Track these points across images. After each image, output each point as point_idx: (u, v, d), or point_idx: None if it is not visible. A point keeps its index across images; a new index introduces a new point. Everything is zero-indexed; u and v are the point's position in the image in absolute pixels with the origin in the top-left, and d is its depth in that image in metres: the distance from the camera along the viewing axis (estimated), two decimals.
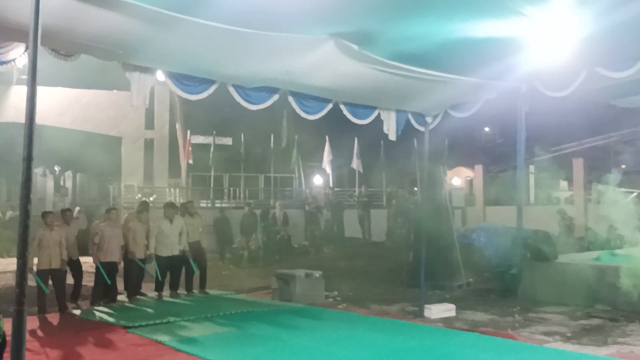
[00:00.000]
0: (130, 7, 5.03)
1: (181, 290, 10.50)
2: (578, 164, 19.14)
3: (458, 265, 11.58)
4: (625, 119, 19.04)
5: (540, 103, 9.66)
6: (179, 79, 6.95)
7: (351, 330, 7.54)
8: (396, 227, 18.57)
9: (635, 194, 18.71)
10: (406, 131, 9.32)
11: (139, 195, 18.21)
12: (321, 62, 6.59)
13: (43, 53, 5.22)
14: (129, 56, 6.40)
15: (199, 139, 23.13)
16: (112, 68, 7.04)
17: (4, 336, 4.37)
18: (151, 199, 17.16)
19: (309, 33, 6.00)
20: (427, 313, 8.52)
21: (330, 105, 8.27)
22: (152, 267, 10.05)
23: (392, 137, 9.05)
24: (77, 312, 8.92)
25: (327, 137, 22.27)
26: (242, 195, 22.22)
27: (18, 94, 18.12)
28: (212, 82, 7.17)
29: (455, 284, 11.15)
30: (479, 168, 22.73)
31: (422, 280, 8.79)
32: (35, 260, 8.56)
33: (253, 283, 12.16)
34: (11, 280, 9.18)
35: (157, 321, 8.01)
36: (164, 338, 7.01)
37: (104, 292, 9.38)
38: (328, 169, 22.76)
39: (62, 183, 27.68)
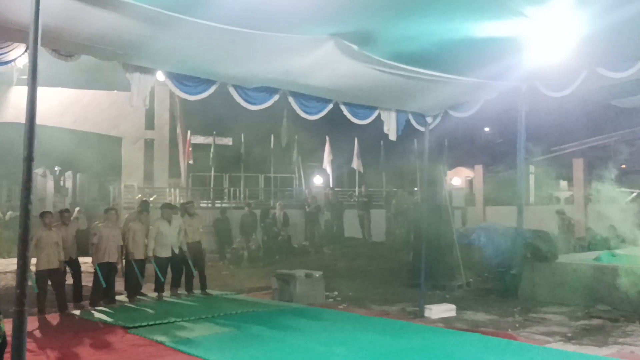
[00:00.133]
0: (130, 7, 5.03)
1: (181, 291, 10.51)
2: (578, 164, 19.14)
3: (458, 265, 11.58)
4: (625, 119, 19.06)
5: (540, 103, 9.66)
6: (178, 79, 6.95)
7: (351, 331, 7.54)
8: (396, 227, 18.58)
9: (635, 194, 18.73)
10: (406, 131, 9.32)
11: (139, 196, 18.19)
12: (321, 62, 6.59)
13: (43, 53, 5.21)
14: (129, 56, 6.40)
15: (199, 139, 23.12)
16: (112, 68, 7.04)
17: (4, 337, 4.37)
18: (151, 199, 17.15)
19: (309, 33, 6.00)
20: (427, 313, 8.51)
21: (330, 106, 8.27)
22: (151, 268, 10.06)
23: (393, 137, 9.05)
24: (77, 312, 8.92)
25: (327, 137, 22.27)
26: (242, 195, 22.21)
27: (18, 94, 18.12)
28: (212, 82, 7.17)
29: (455, 284, 11.15)
30: (479, 168, 22.72)
31: (422, 281, 8.79)
32: (34, 260, 8.55)
33: (253, 283, 12.16)
34: (11, 281, 9.18)
35: (158, 322, 8.00)
36: (164, 338, 7.01)
37: (103, 293, 9.37)
38: (328, 169, 22.76)
39: (62, 183, 27.65)
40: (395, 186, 21.72)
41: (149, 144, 22.15)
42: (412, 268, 11.41)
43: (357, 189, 22.61)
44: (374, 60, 6.68)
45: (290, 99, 7.88)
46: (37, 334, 7.51)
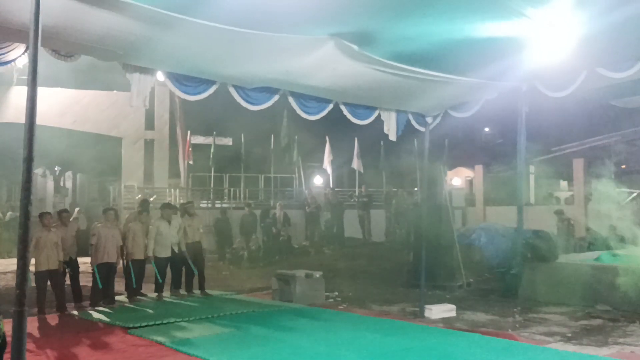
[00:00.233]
0: (130, 7, 5.03)
1: (181, 291, 10.50)
2: (578, 164, 19.14)
3: (458, 265, 11.58)
4: (625, 119, 19.05)
5: (540, 103, 9.65)
6: (178, 79, 6.95)
7: (351, 331, 7.54)
8: (396, 227, 18.58)
9: (635, 194, 18.73)
10: (406, 131, 9.32)
11: (139, 196, 18.21)
12: (321, 62, 6.58)
13: (43, 53, 5.21)
14: (129, 57, 6.39)
15: (199, 139, 23.13)
16: (112, 69, 7.05)
17: (4, 337, 4.37)
18: (151, 199, 17.15)
19: (309, 33, 6.00)
20: (427, 313, 8.51)
21: (330, 106, 8.27)
22: (151, 268, 10.06)
23: (393, 137, 9.05)
24: (77, 312, 8.92)
25: (327, 138, 22.27)
26: (242, 195, 22.21)
27: (18, 95, 18.12)
28: (212, 82, 7.16)
29: (455, 284, 11.15)
30: (479, 168, 22.73)
31: (422, 281, 8.79)
32: (33, 261, 8.55)
33: (253, 283, 12.16)
34: (11, 281, 9.16)
35: (158, 322, 8.00)
36: (164, 339, 7.01)
37: (103, 293, 9.36)
38: (328, 169, 22.76)
39: (62, 184, 27.66)
40: (395, 186, 21.71)
41: (149, 144, 22.16)
42: (412, 268, 11.41)
43: (357, 189, 22.61)
44: (374, 61, 6.67)
45: (291, 99, 7.88)
46: (37, 334, 7.51)
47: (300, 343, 6.89)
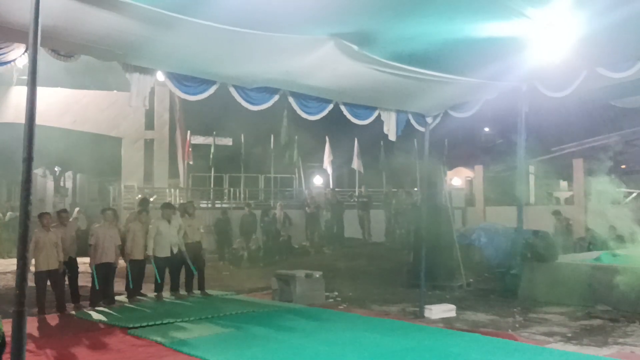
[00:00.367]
0: (130, 7, 5.03)
1: (181, 291, 10.50)
2: (578, 164, 19.14)
3: (458, 265, 11.57)
4: (625, 119, 19.05)
5: (540, 103, 9.66)
6: (178, 79, 6.94)
7: (351, 331, 7.53)
8: (396, 227, 18.58)
9: (635, 194, 18.72)
10: (406, 131, 9.32)
11: (139, 196, 18.23)
12: (321, 62, 6.58)
13: (43, 54, 5.21)
14: (129, 57, 6.39)
15: (199, 139, 23.13)
16: (112, 69, 7.05)
17: (3, 337, 4.36)
18: (151, 199, 17.15)
19: (309, 33, 6.00)
20: (427, 313, 8.51)
21: (330, 106, 8.27)
22: (151, 268, 10.05)
23: (392, 137, 9.05)
24: (77, 313, 8.91)
25: (327, 138, 22.28)
26: (242, 195, 22.22)
27: (18, 95, 18.12)
28: (212, 82, 7.16)
29: (455, 284, 11.15)
30: (479, 168, 22.73)
31: (422, 281, 8.79)
32: (33, 261, 8.55)
33: (253, 284, 12.16)
34: (11, 281, 9.17)
35: (157, 322, 7.99)
36: (164, 339, 7.01)
37: (102, 294, 9.36)
38: (329, 170, 22.77)
39: (62, 184, 27.68)
40: (395, 186, 21.72)
41: (149, 144, 22.16)
42: (412, 268, 11.41)
43: (357, 189, 22.61)
44: (374, 61, 6.67)
45: (291, 99, 7.88)
46: (37, 334, 7.50)
47: (300, 343, 6.89)
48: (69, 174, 27.28)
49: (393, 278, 12.26)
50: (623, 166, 21.82)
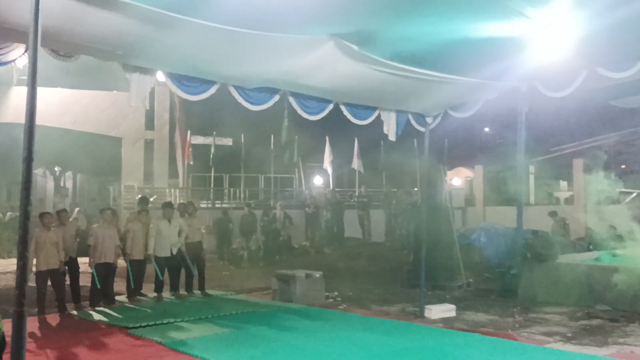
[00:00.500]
0: (130, 7, 5.03)
1: (182, 291, 10.50)
2: (578, 164, 19.14)
3: (458, 265, 11.57)
4: (625, 119, 19.05)
5: (540, 103, 9.66)
6: (179, 79, 6.95)
7: (351, 331, 7.53)
8: (396, 228, 18.57)
9: (635, 194, 18.72)
10: (406, 131, 9.32)
11: (139, 196, 18.23)
12: (321, 62, 6.59)
13: (43, 54, 5.21)
14: (129, 57, 6.40)
15: (199, 139, 23.13)
16: (112, 69, 7.05)
17: (3, 337, 4.36)
18: (151, 199, 17.15)
19: (309, 33, 6.00)
20: (427, 313, 8.51)
21: (330, 106, 8.28)
22: (151, 268, 10.05)
23: (392, 137, 9.05)
24: (77, 313, 8.91)
25: (327, 138, 22.27)
26: (242, 195, 22.22)
27: (18, 95, 18.12)
28: (212, 82, 7.17)
29: (455, 284, 11.15)
30: (479, 168, 22.74)
31: (422, 281, 8.79)
32: (34, 261, 8.56)
33: (253, 284, 12.16)
34: (11, 281, 9.17)
35: (157, 322, 7.99)
36: (164, 339, 7.01)
37: (102, 294, 9.36)
38: (329, 170, 22.76)
39: (62, 184, 27.66)
40: (395, 186, 21.71)
41: (149, 145, 22.16)
42: (412, 268, 11.41)
43: (357, 189, 22.61)
44: (374, 61, 6.68)
45: (291, 100, 7.88)
46: (37, 334, 7.50)
47: (300, 343, 6.89)
48: (69, 174, 27.26)
49: (393, 278, 12.26)
50: (623, 166, 21.84)
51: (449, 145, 16.80)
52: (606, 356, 6.29)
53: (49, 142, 16.89)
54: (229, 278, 13.25)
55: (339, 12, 5.61)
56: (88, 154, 20.80)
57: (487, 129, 30.81)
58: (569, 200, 20.73)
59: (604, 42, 6.74)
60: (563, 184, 23.87)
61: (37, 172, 23.67)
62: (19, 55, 5.71)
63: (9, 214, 18.50)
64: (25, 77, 3.99)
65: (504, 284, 10.55)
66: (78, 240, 9.71)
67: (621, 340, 7.03)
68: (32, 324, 7.52)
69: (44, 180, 25.19)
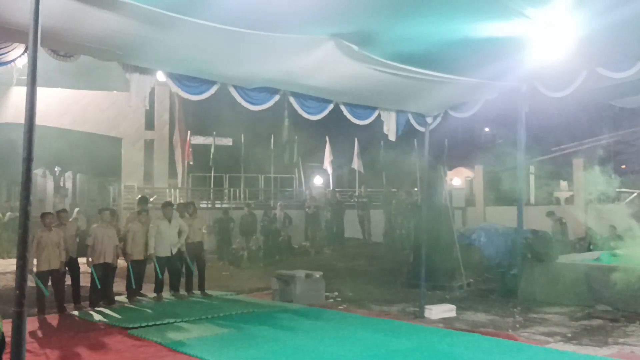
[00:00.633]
0: (130, 7, 5.03)
1: (181, 291, 10.49)
2: (578, 164, 19.14)
3: (458, 265, 11.57)
4: (625, 119, 19.06)
5: (540, 103, 9.65)
6: (179, 79, 6.95)
7: (351, 331, 7.53)
8: (396, 228, 18.57)
9: (635, 194, 18.72)
10: (406, 131, 9.32)
11: (139, 196, 18.22)
12: (321, 62, 6.58)
13: (42, 54, 5.21)
14: (129, 57, 6.39)
15: (199, 139, 23.14)
16: (112, 69, 7.05)
17: (3, 337, 4.36)
18: (151, 199, 17.14)
19: (309, 33, 6.00)
20: (427, 314, 8.51)
21: (331, 106, 8.27)
22: (151, 269, 10.05)
23: (392, 137, 9.05)
24: (77, 313, 8.91)
25: (327, 138, 22.27)
26: (242, 195, 22.21)
27: (18, 95, 18.11)
28: (213, 82, 7.17)
29: (455, 284, 11.15)
30: (479, 168, 22.73)
31: (422, 281, 8.79)
32: (35, 261, 8.56)
33: (253, 284, 12.16)
34: (11, 281, 9.18)
35: (157, 322, 8.00)
36: (164, 339, 7.01)
37: (102, 294, 9.36)
38: (329, 170, 22.76)
39: (62, 184, 27.65)
40: (395, 186, 21.71)
41: (149, 145, 22.16)
42: (412, 268, 11.40)
43: (357, 189, 22.60)
44: (374, 61, 6.67)
45: (292, 99, 7.88)
46: (37, 334, 7.50)
47: (300, 343, 6.89)
48: (68, 174, 27.26)
49: (393, 278, 12.26)
50: (623, 166, 21.84)
51: (449, 145, 16.80)
52: (606, 356, 6.29)
53: (49, 142, 16.89)
54: (229, 278, 13.25)
55: (339, 12, 5.61)
56: (88, 154, 20.80)
57: (487, 129, 30.82)
58: (569, 200, 20.73)
59: (604, 42, 6.73)
60: (563, 184, 23.88)
61: (37, 172, 23.68)
62: (19, 55, 5.70)
63: (8, 214, 18.50)
64: (25, 77, 3.99)
65: (504, 284, 10.54)
66: (77, 240, 9.72)
67: (621, 340, 7.03)
68: (32, 324, 7.53)
69: (43, 180, 25.19)
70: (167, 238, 10.03)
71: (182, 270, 10.43)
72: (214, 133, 21.61)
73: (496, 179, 22.14)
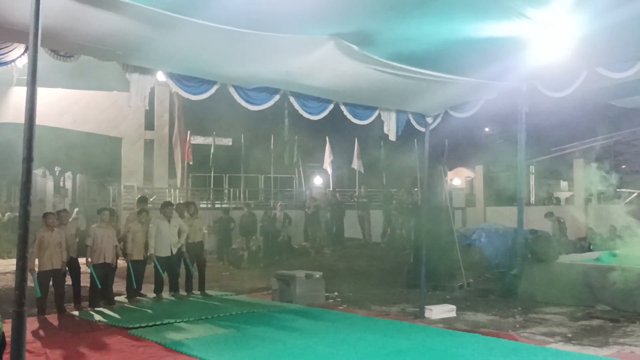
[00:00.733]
0: (130, 7, 5.03)
1: (181, 292, 10.49)
2: (578, 164, 19.15)
3: (458, 265, 11.56)
4: (625, 119, 19.06)
5: (540, 103, 9.66)
6: (180, 79, 6.95)
7: (351, 332, 7.52)
8: (396, 228, 18.56)
9: (635, 194, 18.73)
10: (406, 131, 9.32)
11: (139, 196, 18.21)
12: (321, 62, 6.59)
13: (42, 54, 5.21)
14: (129, 57, 6.40)
15: (199, 140, 23.13)
16: (112, 69, 7.05)
17: (3, 337, 4.36)
18: (151, 199, 17.14)
19: (309, 34, 6.00)
20: (427, 314, 8.50)
21: (331, 106, 8.28)
22: (150, 269, 10.05)
23: (392, 137, 9.05)
24: (77, 313, 8.91)
25: (327, 138, 22.26)
26: (241, 196, 22.21)
27: (18, 95, 18.12)
28: (213, 82, 7.17)
29: (455, 284, 11.14)
30: (479, 168, 22.74)
31: (422, 281, 8.78)
32: (37, 261, 8.57)
33: (253, 284, 12.16)
34: (11, 281, 9.18)
35: (157, 322, 7.99)
36: (164, 339, 7.00)
37: (101, 294, 9.35)
38: (329, 170, 22.75)
39: (62, 184, 27.67)
40: (395, 187, 21.70)
41: (148, 145, 22.15)
42: (413, 268, 11.40)
43: (357, 189, 22.60)
44: (374, 61, 6.67)
45: (292, 99, 7.89)
46: (37, 334, 7.50)
47: (300, 344, 6.88)
48: (68, 174, 27.28)
49: (393, 278, 12.26)
50: (623, 166, 21.84)
51: (449, 145, 16.82)
52: (606, 356, 6.28)
53: (49, 142, 16.90)
54: (229, 278, 13.25)
55: (339, 12, 5.61)
56: (88, 154, 20.81)
57: (487, 129, 30.80)
58: (569, 200, 20.73)
59: (604, 42, 6.73)
60: (563, 184, 23.89)
61: (37, 172, 23.69)
62: (19, 55, 5.71)
63: (7, 214, 18.51)
64: (25, 77, 3.99)
65: (504, 284, 10.55)
66: (77, 240, 9.71)
67: (621, 340, 7.03)
68: (32, 324, 7.52)
69: (43, 180, 25.21)
70: (167, 238, 10.02)
71: (179, 272, 10.40)
72: (214, 133, 21.61)
73: (496, 179, 22.16)
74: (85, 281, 9.62)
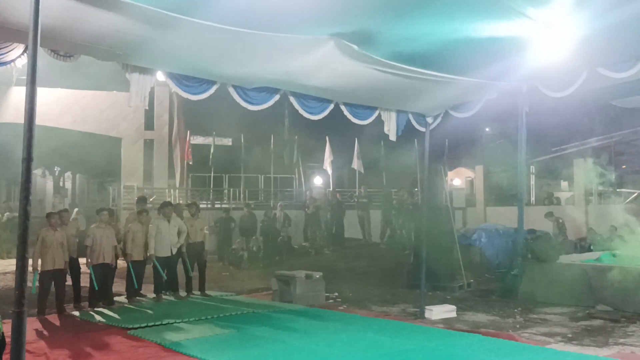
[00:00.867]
0: (130, 7, 5.02)
1: (181, 292, 10.48)
2: (578, 164, 19.15)
3: (459, 266, 11.56)
4: (625, 119, 19.06)
5: (541, 103, 9.65)
6: (179, 79, 6.95)
7: (352, 332, 7.52)
8: (396, 228, 18.55)
9: (635, 195, 18.73)
10: (407, 131, 9.31)
11: (138, 196, 18.20)
12: (321, 62, 6.58)
13: (42, 54, 5.21)
14: (129, 57, 6.39)
15: (198, 139, 23.11)
16: (112, 69, 7.05)
17: (3, 338, 4.35)
18: (150, 199, 17.14)
19: (310, 33, 5.99)
20: (427, 314, 8.50)
21: (331, 106, 8.27)
22: (150, 269, 10.03)
23: (393, 137, 9.05)
24: (77, 313, 8.91)
25: (327, 138, 22.25)
26: (241, 196, 22.20)
27: (18, 95, 18.10)
28: (213, 82, 7.17)
29: (456, 285, 11.14)
30: (479, 168, 22.73)
31: (422, 281, 8.78)
32: (39, 261, 8.57)
33: (253, 284, 12.15)
34: (11, 281, 9.18)
35: (157, 323, 7.98)
36: (163, 339, 7.00)
37: (101, 294, 9.34)
38: (329, 170, 22.74)
39: (61, 184, 27.67)
40: (395, 187, 21.69)
41: (148, 145, 22.14)
42: (413, 269, 11.40)
43: (357, 189, 22.59)
44: (374, 61, 6.67)
45: (292, 99, 7.89)
46: (37, 334, 7.49)
47: (300, 344, 6.88)
48: (68, 174, 27.27)
49: (393, 279, 12.25)
50: (623, 166, 21.84)
51: (449, 145, 16.84)
52: (607, 357, 6.28)
53: (49, 143, 16.89)
54: (229, 279, 13.24)
55: (339, 12, 5.61)
56: (87, 154, 20.79)
57: (487, 129, 30.79)
58: (569, 200, 20.73)
59: (604, 42, 6.73)
60: (564, 184, 23.88)
61: (37, 172, 23.68)
62: (18, 55, 5.70)
63: (6, 214, 18.50)
64: (25, 77, 3.98)
65: (504, 284, 10.54)
66: (77, 240, 9.71)
67: (622, 340, 7.02)
68: (32, 324, 7.52)
69: (43, 180, 25.21)
70: (166, 238, 10.01)
71: (176, 272, 10.39)
72: (214, 133, 21.58)
73: (497, 179, 22.16)
74: (85, 281, 9.62)
